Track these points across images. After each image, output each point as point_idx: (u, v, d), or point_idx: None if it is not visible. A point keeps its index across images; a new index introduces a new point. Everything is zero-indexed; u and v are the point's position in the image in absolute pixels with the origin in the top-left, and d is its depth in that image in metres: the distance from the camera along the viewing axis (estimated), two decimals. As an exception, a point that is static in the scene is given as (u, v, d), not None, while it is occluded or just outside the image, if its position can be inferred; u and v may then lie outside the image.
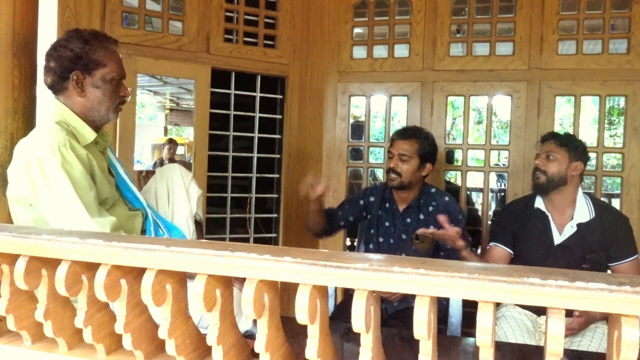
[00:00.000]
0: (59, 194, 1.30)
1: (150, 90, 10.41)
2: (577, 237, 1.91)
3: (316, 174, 2.32)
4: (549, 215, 1.97)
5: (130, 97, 1.55)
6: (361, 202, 2.28)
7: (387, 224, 2.21)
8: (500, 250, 2.02)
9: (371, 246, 2.24)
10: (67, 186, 1.30)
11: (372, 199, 2.26)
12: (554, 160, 1.93)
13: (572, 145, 1.94)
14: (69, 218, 1.31)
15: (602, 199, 3.34)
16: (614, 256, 1.89)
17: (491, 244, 2.07)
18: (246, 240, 3.01)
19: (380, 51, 3.02)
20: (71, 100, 1.44)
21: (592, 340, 1.77)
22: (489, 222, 2.87)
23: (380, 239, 2.21)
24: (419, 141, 2.13)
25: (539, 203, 1.99)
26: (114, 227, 1.35)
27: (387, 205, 2.22)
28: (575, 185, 1.95)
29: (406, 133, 2.17)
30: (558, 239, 1.94)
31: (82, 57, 1.40)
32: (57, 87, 1.44)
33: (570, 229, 1.93)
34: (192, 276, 0.88)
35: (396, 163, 2.11)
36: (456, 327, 1.94)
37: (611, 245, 1.89)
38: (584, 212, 1.94)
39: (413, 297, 0.78)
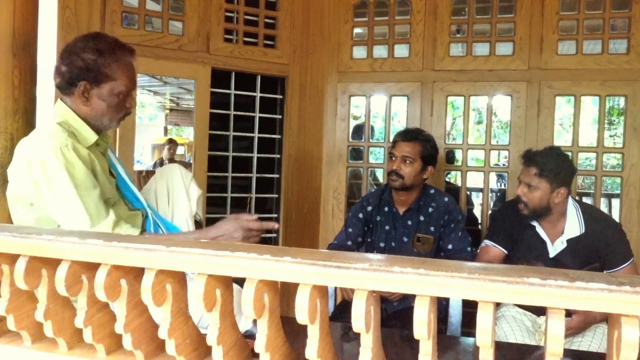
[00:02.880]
0: (61, 196, 1.31)
1: (150, 90, 10.42)
2: (569, 252, 1.90)
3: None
4: (541, 229, 1.95)
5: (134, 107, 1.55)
6: (360, 215, 2.24)
7: (387, 227, 2.20)
8: (494, 249, 2.01)
9: (374, 252, 2.23)
10: (69, 189, 1.30)
11: (369, 208, 2.24)
12: (535, 192, 1.87)
13: (553, 174, 1.85)
14: (71, 222, 1.32)
15: (602, 199, 3.33)
16: (609, 264, 1.87)
17: (486, 242, 2.06)
18: (246, 240, 3.00)
19: (380, 51, 3.02)
20: (75, 105, 1.44)
21: (592, 340, 1.77)
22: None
23: (381, 244, 2.20)
24: (422, 143, 2.13)
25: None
26: (115, 224, 1.35)
27: (387, 208, 2.21)
28: (561, 205, 1.90)
29: (409, 135, 2.16)
30: (552, 251, 1.93)
31: (92, 69, 1.39)
32: (64, 90, 1.44)
33: (560, 245, 1.91)
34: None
35: (399, 165, 2.10)
36: (456, 327, 1.94)
37: (605, 254, 1.87)
38: (574, 226, 1.90)
39: (413, 297, 0.78)
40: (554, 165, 1.86)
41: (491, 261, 1.99)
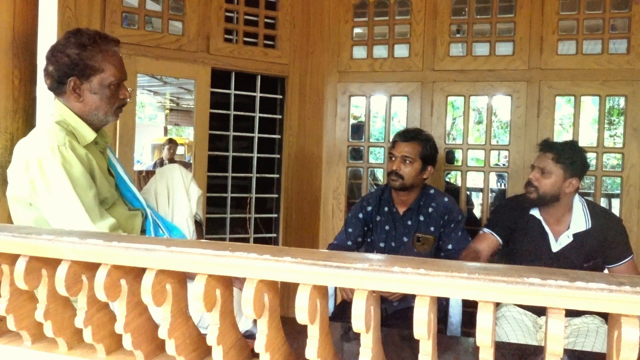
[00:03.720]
0: (58, 195, 1.30)
1: (150, 90, 10.42)
2: (574, 246, 1.90)
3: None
4: (545, 223, 1.95)
5: (130, 98, 1.54)
6: (360, 215, 2.24)
7: (387, 227, 2.20)
8: (491, 237, 2.01)
9: (374, 252, 2.23)
10: (67, 187, 1.30)
11: (369, 208, 2.23)
12: (548, 177, 1.87)
13: (570, 162, 1.86)
14: (69, 220, 1.31)
15: (602, 199, 3.32)
16: (610, 259, 1.88)
17: (484, 230, 2.05)
18: (246, 240, 3.01)
19: (380, 51, 3.02)
20: (70, 103, 1.44)
21: (594, 341, 1.77)
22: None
23: (381, 244, 2.20)
24: (421, 143, 2.12)
25: (534, 210, 1.97)
26: (113, 229, 1.35)
27: (387, 208, 2.21)
28: (569, 198, 1.91)
29: (408, 135, 2.16)
30: (555, 246, 1.93)
31: (78, 64, 1.39)
32: (56, 90, 1.44)
33: (566, 239, 1.91)
34: (192, 276, 0.88)
35: (399, 165, 2.10)
36: (456, 327, 1.94)
37: (607, 249, 1.88)
38: (580, 221, 1.91)
39: (413, 297, 0.78)
40: (571, 153, 1.88)
41: (485, 248, 2.00)
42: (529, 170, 1.99)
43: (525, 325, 1.87)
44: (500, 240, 2.01)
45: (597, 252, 1.89)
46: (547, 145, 1.94)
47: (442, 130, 2.86)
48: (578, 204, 1.93)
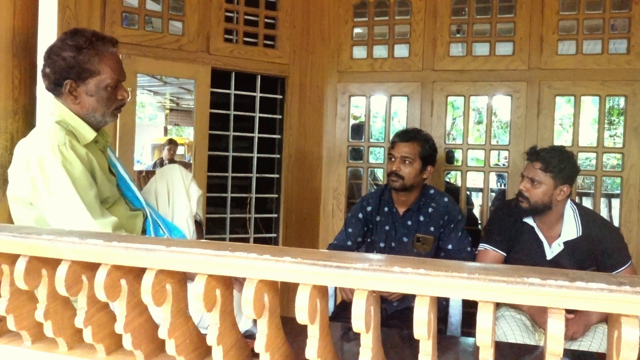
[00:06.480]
0: (60, 194, 1.30)
1: (150, 90, 10.44)
2: (566, 254, 1.89)
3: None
4: (538, 230, 1.95)
5: (130, 98, 1.54)
6: (360, 215, 2.24)
7: (387, 227, 2.20)
8: (492, 253, 2.00)
9: (374, 252, 2.23)
10: (68, 186, 1.30)
11: (369, 208, 2.23)
12: (538, 187, 1.86)
13: (558, 169, 1.85)
14: (71, 218, 1.31)
15: (602, 199, 3.32)
16: (606, 267, 1.86)
17: (484, 245, 2.03)
18: (246, 240, 3.01)
19: (380, 51, 3.02)
20: (67, 104, 1.44)
21: (592, 340, 1.77)
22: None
23: (382, 244, 2.20)
24: (421, 143, 2.12)
25: (528, 218, 1.96)
26: (115, 228, 1.35)
27: (386, 209, 2.21)
28: (561, 205, 1.91)
29: (407, 135, 2.16)
30: (549, 254, 1.92)
31: (74, 67, 1.38)
32: (53, 91, 1.44)
33: (557, 247, 1.91)
34: (192, 277, 0.88)
35: (398, 166, 2.10)
36: (456, 327, 1.94)
37: (603, 258, 1.87)
38: (571, 229, 1.90)
39: (413, 297, 0.78)
40: (558, 161, 1.86)
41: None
42: (520, 179, 1.97)
43: (525, 325, 1.87)
44: (503, 253, 1.99)
45: (589, 260, 1.88)
46: (534, 154, 1.92)
47: (442, 130, 2.86)
48: (570, 211, 1.92)
